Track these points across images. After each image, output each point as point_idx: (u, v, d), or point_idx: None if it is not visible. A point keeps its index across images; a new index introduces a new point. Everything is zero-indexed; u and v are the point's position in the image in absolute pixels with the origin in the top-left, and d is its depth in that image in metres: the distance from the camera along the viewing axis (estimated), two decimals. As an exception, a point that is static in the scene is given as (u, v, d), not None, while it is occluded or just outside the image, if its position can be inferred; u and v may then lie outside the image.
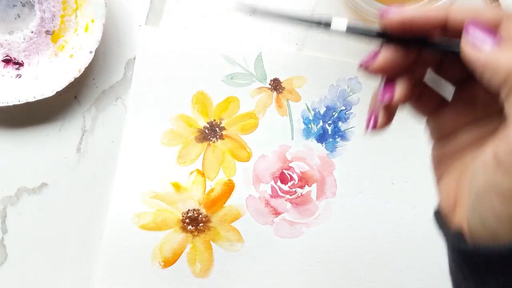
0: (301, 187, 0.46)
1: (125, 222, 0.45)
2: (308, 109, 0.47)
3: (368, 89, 0.47)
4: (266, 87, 0.46)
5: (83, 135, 0.46)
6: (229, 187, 0.46)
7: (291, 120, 0.47)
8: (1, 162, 0.45)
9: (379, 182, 0.47)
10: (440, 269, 0.46)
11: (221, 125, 0.46)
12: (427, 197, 0.47)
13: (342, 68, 0.47)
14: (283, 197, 0.46)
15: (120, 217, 0.45)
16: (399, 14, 0.26)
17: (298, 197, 0.46)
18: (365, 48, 0.47)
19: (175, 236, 0.45)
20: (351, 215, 0.46)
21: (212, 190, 0.46)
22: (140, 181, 0.45)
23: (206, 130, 0.46)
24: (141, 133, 0.46)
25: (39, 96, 0.43)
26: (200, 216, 0.46)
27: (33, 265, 0.45)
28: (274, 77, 0.46)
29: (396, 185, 0.47)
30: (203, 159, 0.46)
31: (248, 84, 0.46)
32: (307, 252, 0.46)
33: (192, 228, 0.46)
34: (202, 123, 0.46)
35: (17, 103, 0.43)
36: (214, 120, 0.46)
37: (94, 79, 0.46)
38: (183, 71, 0.46)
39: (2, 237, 0.45)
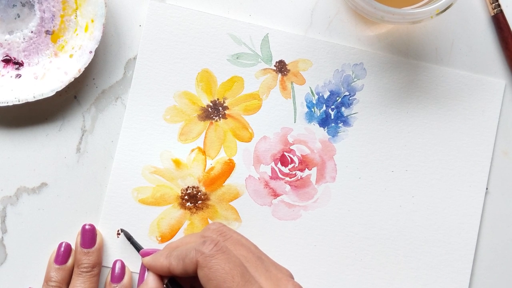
0: (301, 170, 0.46)
1: (124, 195, 0.45)
2: (312, 92, 0.47)
3: (373, 76, 0.47)
4: (271, 69, 0.47)
5: (82, 135, 0.46)
6: (229, 167, 0.46)
7: (294, 103, 0.47)
8: (1, 162, 0.45)
9: (379, 169, 0.47)
10: (437, 258, 0.46)
11: (224, 105, 0.46)
12: (427, 186, 0.47)
13: (347, 53, 0.47)
14: (282, 179, 0.46)
15: (119, 190, 0.45)
16: (144, 261, 0.41)
17: (298, 180, 0.46)
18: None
19: (173, 212, 0.46)
20: (350, 201, 0.46)
21: (212, 168, 0.46)
22: (141, 155, 0.45)
23: (209, 109, 0.46)
24: (144, 108, 0.46)
25: (39, 96, 0.43)
26: (199, 193, 0.46)
27: (33, 265, 0.45)
28: (280, 59, 0.46)
29: (396, 173, 0.47)
30: (205, 137, 0.46)
31: (253, 65, 0.46)
32: (304, 235, 0.46)
33: (190, 205, 0.46)
34: (206, 101, 0.46)
35: (17, 103, 0.43)
36: (218, 99, 0.46)
37: (94, 79, 0.46)
38: (189, 47, 0.46)
39: (2, 237, 0.45)
